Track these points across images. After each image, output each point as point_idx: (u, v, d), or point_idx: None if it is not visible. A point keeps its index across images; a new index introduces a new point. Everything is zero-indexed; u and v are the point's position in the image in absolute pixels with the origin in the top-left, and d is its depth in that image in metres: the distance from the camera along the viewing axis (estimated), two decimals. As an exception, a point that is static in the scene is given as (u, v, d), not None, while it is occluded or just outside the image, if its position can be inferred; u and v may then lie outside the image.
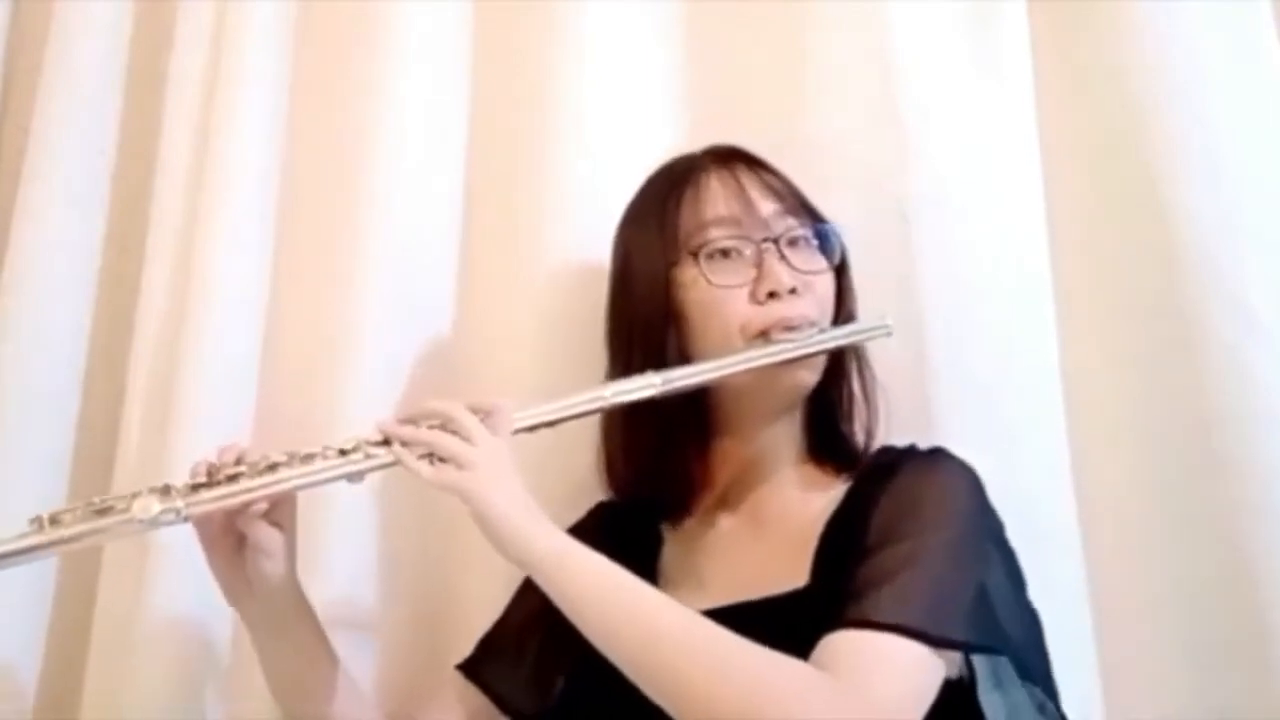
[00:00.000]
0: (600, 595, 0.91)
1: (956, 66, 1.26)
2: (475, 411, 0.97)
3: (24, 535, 0.94)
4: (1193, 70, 1.21)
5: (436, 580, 1.23)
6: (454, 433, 0.96)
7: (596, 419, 1.08)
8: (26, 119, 1.44)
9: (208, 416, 1.23)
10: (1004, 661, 0.96)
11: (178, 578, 1.17)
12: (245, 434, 1.24)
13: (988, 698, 0.98)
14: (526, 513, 0.93)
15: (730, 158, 1.08)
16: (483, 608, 1.15)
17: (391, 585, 1.22)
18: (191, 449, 1.19)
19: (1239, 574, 1.10)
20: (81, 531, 0.94)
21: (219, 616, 1.18)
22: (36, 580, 1.29)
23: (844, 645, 0.88)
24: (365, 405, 1.19)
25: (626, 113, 1.31)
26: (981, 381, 1.16)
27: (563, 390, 1.03)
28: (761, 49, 1.31)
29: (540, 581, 0.93)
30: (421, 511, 1.22)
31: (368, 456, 0.96)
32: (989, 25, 1.28)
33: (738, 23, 1.33)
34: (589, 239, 1.25)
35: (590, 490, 1.15)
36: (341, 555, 1.19)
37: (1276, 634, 1.08)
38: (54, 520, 0.93)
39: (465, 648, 1.13)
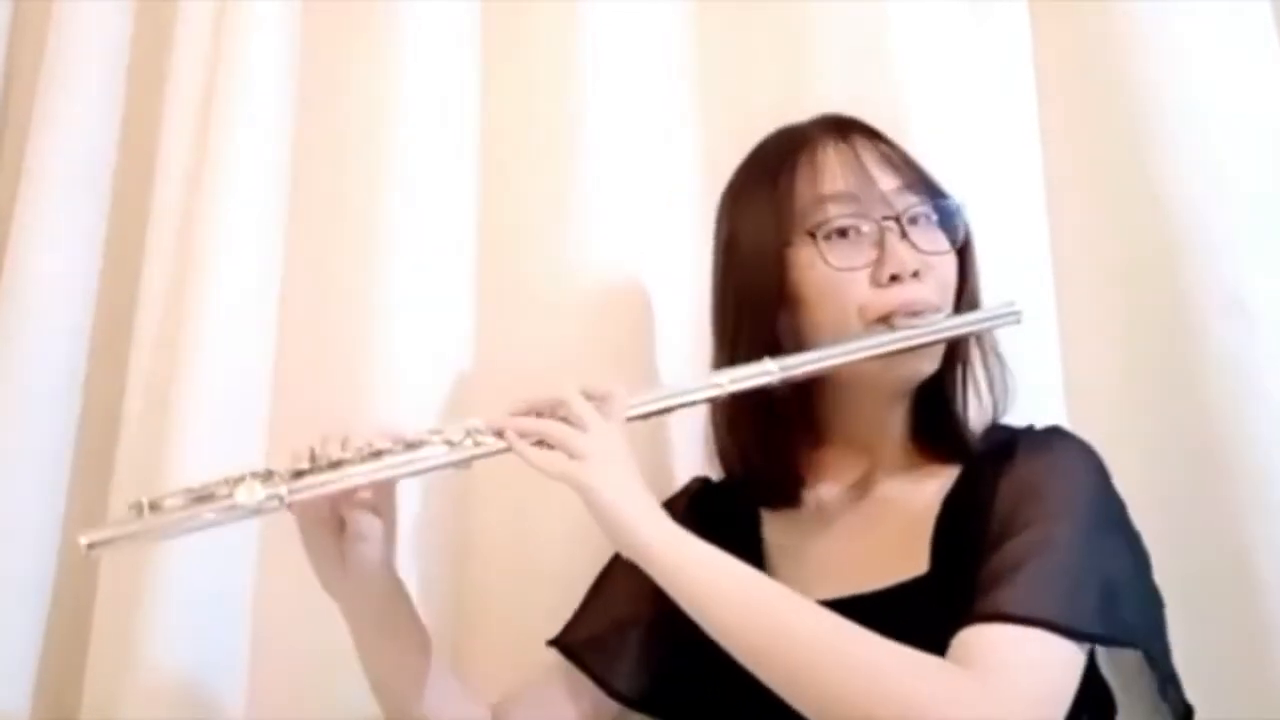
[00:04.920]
0: (717, 588, 0.88)
1: (958, 67, 1.26)
2: (589, 396, 0.95)
3: (124, 521, 0.92)
4: (1193, 71, 1.20)
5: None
6: (565, 419, 0.93)
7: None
8: (26, 119, 1.44)
9: (208, 417, 1.23)
10: None
11: (176, 594, 1.17)
12: (246, 436, 1.24)
13: (1106, 670, 0.98)
14: (638, 502, 0.91)
15: (847, 128, 1.03)
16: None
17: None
18: (191, 449, 1.20)
19: (1239, 574, 1.10)
20: (182, 518, 0.91)
21: (223, 637, 1.19)
22: (31, 594, 1.29)
23: (980, 640, 0.84)
24: (381, 407, 1.19)
25: (636, 110, 1.30)
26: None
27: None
28: (766, 50, 1.31)
29: (653, 572, 0.90)
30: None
31: (477, 444, 0.94)
32: (989, 26, 1.28)
33: (743, 21, 1.33)
34: (602, 235, 1.26)
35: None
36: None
37: (1277, 634, 1.08)
38: (154, 506, 0.91)
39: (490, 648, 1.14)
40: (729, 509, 1.07)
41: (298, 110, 1.37)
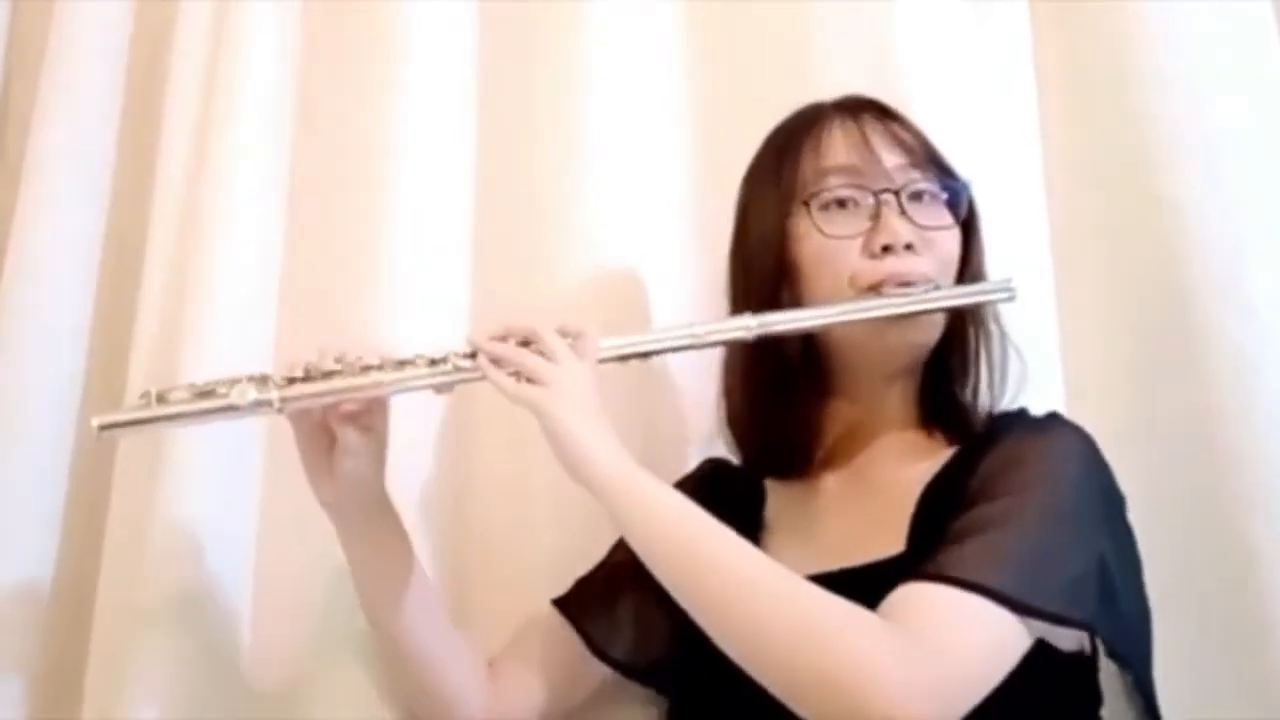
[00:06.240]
0: (663, 524, 0.90)
1: (958, 66, 1.26)
2: (563, 334, 0.97)
3: (133, 408, 0.98)
4: (1193, 69, 1.21)
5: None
6: (540, 352, 0.96)
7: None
8: (26, 118, 1.44)
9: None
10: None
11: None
12: (246, 435, 1.24)
13: (1105, 674, 0.96)
14: (596, 434, 0.92)
15: (858, 107, 1.04)
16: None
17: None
18: (191, 448, 1.19)
19: (1241, 572, 1.10)
20: (183, 410, 0.97)
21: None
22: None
23: (920, 599, 0.84)
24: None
25: (635, 109, 1.31)
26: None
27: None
28: (766, 49, 1.32)
29: (605, 505, 0.92)
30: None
31: (456, 369, 0.97)
32: (989, 25, 1.29)
33: (744, 21, 1.33)
34: (601, 234, 1.25)
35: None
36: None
37: (1279, 632, 1.08)
38: (161, 397, 0.97)
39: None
40: (738, 484, 1.08)
41: (297, 110, 1.37)
